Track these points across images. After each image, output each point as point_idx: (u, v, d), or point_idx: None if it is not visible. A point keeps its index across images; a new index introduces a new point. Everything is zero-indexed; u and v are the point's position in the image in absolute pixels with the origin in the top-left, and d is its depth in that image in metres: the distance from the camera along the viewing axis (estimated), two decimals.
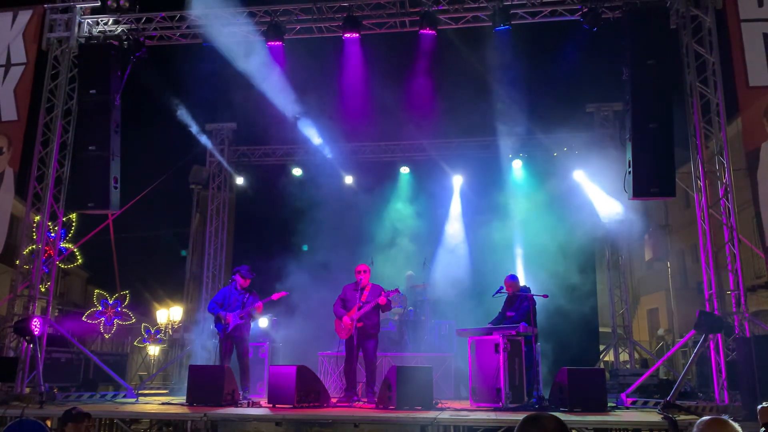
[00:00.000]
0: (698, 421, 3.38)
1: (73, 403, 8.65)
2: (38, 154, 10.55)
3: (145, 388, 12.31)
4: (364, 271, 9.36)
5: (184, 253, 13.17)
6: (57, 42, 10.93)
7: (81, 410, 6.33)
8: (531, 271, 12.85)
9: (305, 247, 13.49)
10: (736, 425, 3.15)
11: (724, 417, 3.35)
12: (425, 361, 10.77)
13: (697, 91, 9.34)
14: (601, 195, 13.30)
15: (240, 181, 15.34)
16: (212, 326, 11.28)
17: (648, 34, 9.14)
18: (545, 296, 9.49)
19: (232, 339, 9.66)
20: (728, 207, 8.99)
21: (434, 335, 11.93)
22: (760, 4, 9.50)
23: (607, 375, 10.71)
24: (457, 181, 14.03)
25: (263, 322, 11.78)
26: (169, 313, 21.45)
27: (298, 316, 12.44)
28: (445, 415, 7.34)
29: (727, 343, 8.48)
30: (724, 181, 9.09)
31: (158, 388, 13.22)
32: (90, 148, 10.22)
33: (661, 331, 25.07)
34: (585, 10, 9.84)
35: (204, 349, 13.96)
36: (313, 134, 13.94)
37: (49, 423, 7.63)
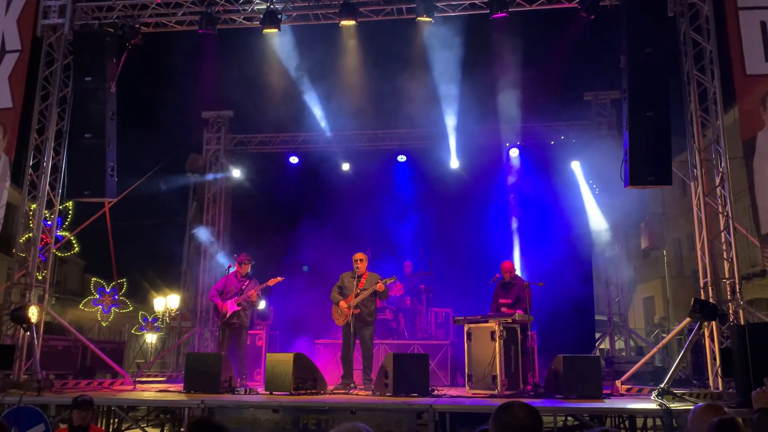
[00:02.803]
0: (693, 407, 3.41)
1: (70, 391, 8.68)
2: (34, 142, 10.49)
3: (142, 376, 12.35)
4: (362, 260, 9.37)
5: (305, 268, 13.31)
6: (51, 29, 10.81)
7: (86, 398, 6.30)
8: (528, 258, 12.89)
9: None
10: (729, 411, 3.19)
11: (719, 403, 3.39)
12: (422, 348, 10.83)
13: (694, 79, 9.32)
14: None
15: (237, 169, 15.27)
16: (211, 313, 11.31)
17: (645, 21, 9.06)
18: (541, 284, 9.53)
19: (231, 326, 9.69)
20: (724, 195, 8.99)
21: (431, 323, 11.98)
22: None
23: (603, 362, 10.74)
24: (455, 168, 14.01)
25: (261, 304, 11.81)
26: (166, 301, 21.43)
27: (295, 303, 12.47)
28: (441, 402, 7.39)
29: (722, 331, 8.53)
30: (721, 169, 9.09)
31: (155, 376, 13.25)
32: (86, 135, 10.15)
33: (656, 319, 25.22)
34: None
35: (202, 336, 14.00)
36: (313, 120, 13.91)
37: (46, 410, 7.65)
